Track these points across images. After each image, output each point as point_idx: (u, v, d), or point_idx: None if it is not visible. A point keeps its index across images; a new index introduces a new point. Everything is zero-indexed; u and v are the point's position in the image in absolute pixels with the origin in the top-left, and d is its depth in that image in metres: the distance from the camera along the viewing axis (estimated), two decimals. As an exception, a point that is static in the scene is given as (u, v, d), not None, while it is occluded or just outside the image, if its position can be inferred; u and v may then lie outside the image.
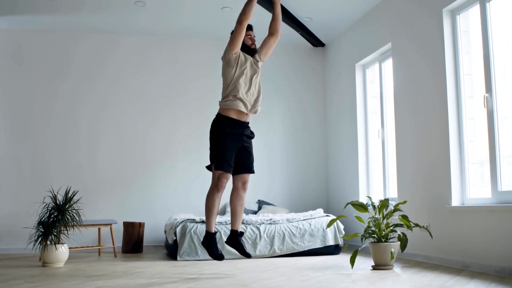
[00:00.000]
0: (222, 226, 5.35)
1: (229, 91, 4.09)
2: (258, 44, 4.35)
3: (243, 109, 4.06)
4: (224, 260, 4.38)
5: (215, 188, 4.03)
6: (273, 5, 4.38)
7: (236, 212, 4.20)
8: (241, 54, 4.14)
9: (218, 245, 4.15)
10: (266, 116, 7.24)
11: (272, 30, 4.36)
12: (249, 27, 4.24)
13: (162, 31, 6.86)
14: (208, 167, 4.15)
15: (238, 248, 4.16)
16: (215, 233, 4.11)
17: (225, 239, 5.12)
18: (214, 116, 4.18)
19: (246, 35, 4.18)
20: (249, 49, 4.22)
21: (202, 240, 4.14)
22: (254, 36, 4.30)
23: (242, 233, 4.22)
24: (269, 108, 7.28)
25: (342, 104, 6.82)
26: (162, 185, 6.83)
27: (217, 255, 4.05)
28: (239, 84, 4.06)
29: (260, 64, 4.28)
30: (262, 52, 4.33)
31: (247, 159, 4.19)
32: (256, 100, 4.17)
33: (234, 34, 4.09)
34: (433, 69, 4.77)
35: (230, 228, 4.28)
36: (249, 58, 4.20)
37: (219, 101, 4.14)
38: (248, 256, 4.17)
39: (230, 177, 4.13)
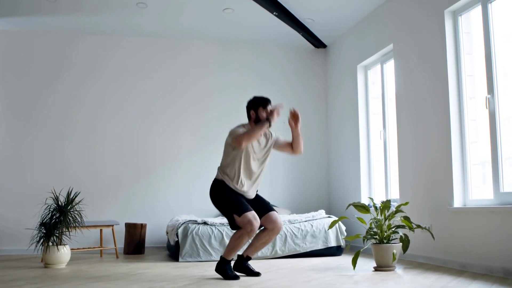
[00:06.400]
0: (224, 227, 5.36)
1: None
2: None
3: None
4: None
5: (249, 234, 3.85)
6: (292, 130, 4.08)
7: (256, 246, 4.05)
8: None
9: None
10: (268, 117, 7.25)
11: (294, 149, 4.10)
12: (266, 103, 3.96)
13: (163, 32, 6.86)
14: (233, 226, 3.95)
15: (247, 272, 4.03)
16: (231, 260, 3.97)
17: (227, 241, 5.14)
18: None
19: (262, 111, 3.94)
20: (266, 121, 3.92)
21: (215, 267, 3.96)
22: (271, 109, 3.95)
23: (249, 258, 4.09)
24: (271, 109, 7.28)
25: (344, 105, 6.82)
26: (164, 186, 6.83)
27: (232, 276, 3.86)
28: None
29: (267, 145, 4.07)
30: (274, 145, 4.11)
31: (260, 201, 4.07)
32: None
33: (232, 143, 3.85)
34: (435, 70, 4.77)
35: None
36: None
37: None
38: (257, 274, 4.01)
39: (258, 218, 3.88)
